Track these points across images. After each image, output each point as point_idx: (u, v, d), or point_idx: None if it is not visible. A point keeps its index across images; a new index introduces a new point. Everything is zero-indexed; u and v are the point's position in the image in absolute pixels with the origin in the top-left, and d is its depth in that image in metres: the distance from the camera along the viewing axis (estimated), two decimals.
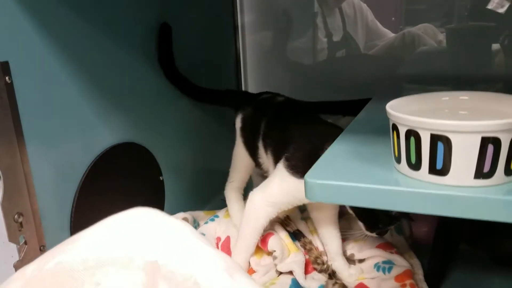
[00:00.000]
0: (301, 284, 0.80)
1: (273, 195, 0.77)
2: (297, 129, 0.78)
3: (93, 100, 0.77)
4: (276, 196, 0.77)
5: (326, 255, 0.85)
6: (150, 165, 0.94)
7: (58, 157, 0.71)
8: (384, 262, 0.82)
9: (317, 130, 0.76)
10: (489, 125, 0.45)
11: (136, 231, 0.42)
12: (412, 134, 0.49)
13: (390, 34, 1.23)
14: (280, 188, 0.75)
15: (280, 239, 0.87)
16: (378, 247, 0.86)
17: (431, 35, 1.20)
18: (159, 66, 0.94)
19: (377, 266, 0.82)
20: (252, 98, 0.95)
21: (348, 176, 0.54)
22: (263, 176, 0.88)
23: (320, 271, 0.82)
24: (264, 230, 0.91)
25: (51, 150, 0.70)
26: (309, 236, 0.89)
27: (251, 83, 1.37)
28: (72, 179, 0.74)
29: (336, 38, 1.30)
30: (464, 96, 0.57)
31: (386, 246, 0.85)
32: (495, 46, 1.12)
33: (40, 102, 0.68)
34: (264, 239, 0.88)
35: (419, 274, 0.80)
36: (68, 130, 0.73)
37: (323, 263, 0.83)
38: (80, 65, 0.74)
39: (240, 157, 0.94)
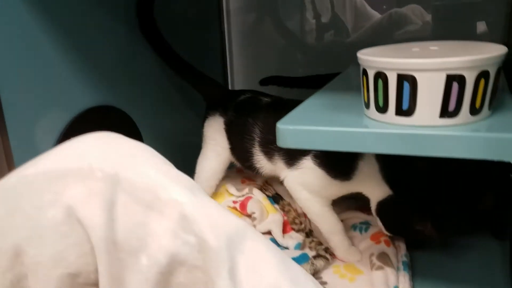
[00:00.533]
0: (279, 242, 0.81)
1: (316, 191, 0.75)
2: None
3: (70, 59, 0.77)
4: (321, 191, 0.76)
5: (304, 216, 0.86)
6: (130, 131, 0.93)
7: (34, 113, 0.71)
8: (361, 223, 0.83)
9: None
10: (454, 62, 0.45)
11: (98, 146, 0.42)
12: (380, 76, 0.50)
13: (378, 16, 1.23)
14: (321, 184, 0.74)
15: (259, 202, 0.88)
16: (357, 209, 0.87)
17: (418, 15, 1.21)
18: (140, 32, 0.93)
19: (354, 227, 0.83)
20: (230, 97, 0.90)
21: (319, 122, 0.55)
22: None
23: (298, 231, 0.83)
24: (243, 195, 0.92)
25: (27, 106, 0.69)
26: (288, 199, 0.90)
27: (237, 67, 1.35)
28: (49, 136, 0.74)
29: (324, 19, 1.29)
30: (434, 46, 0.58)
31: (365, 208, 0.86)
32: (480, 23, 1.13)
33: (15, 60, 0.67)
34: (243, 203, 0.88)
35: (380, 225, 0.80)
36: (45, 88, 0.72)
37: (300, 223, 0.84)
38: (57, 25, 0.73)
39: (217, 162, 0.90)
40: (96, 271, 0.38)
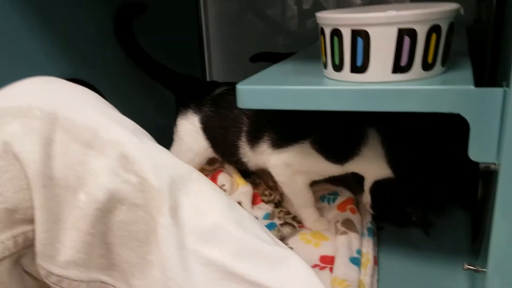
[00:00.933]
0: (248, 212, 0.81)
1: (305, 172, 0.75)
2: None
3: (39, 31, 0.76)
4: (310, 172, 0.76)
5: (275, 188, 0.87)
6: None
7: (2, 83, 0.70)
8: (329, 194, 0.84)
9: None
10: (405, 16, 0.46)
11: (39, 88, 0.42)
12: (336, 34, 0.50)
13: (358, 2, 1.24)
14: (314, 167, 0.73)
15: (229, 174, 0.88)
16: (326, 181, 0.87)
17: (398, 1, 1.22)
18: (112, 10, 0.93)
19: (322, 198, 0.84)
20: (203, 91, 0.85)
21: (277, 82, 0.55)
22: None
23: (267, 202, 0.84)
24: (214, 169, 0.92)
25: None
26: (258, 173, 0.90)
27: (215, 55, 1.33)
28: None
29: (306, 5, 1.29)
30: (391, 8, 0.58)
31: (334, 180, 0.87)
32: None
33: None
34: (214, 175, 0.89)
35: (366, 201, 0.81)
36: (12, 57, 0.72)
37: (270, 195, 0.85)
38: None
39: (197, 159, 0.85)
40: (33, 207, 0.39)
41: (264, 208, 0.82)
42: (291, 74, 0.59)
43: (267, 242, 0.45)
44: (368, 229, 0.73)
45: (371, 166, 0.72)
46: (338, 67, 0.52)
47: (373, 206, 0.76)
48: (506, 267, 0.44)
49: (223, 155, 0.85)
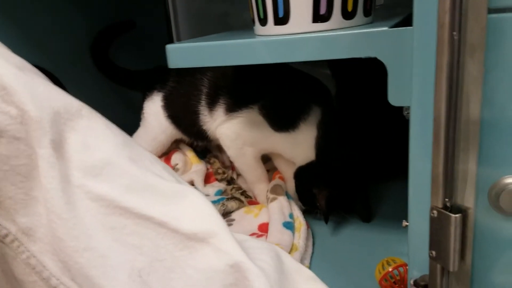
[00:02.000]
0: (200, 190, 0.80)
1: (251, 140, 0.75)
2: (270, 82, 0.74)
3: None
4: (256, 140, 0.75)
5: (232, 168, 0.86)
6: None
7: None
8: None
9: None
10: None
11: None
12: None
13: None
14: (259, 134, 0.74)
15: (183, 154, 0.88)
16: None
17: None
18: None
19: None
20: (168, 71, 0.83)
21: (209, 40, 0.55)
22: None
23: (221, 180, 0.83)
24: (168, 149, 0.91)
25: None
26: (215, 152, 0.90)
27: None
28: None
29: None
30: None
31: None
32: None
33: None
34: (168, 156, 0.88)
35: None
36: None
37: (223, 173, 0.84)
38: None
39: (159, 137, 0.87)
40: None
41: (217, 186, 0.82)
42: (224, 36, 0.59)
43: (165, 179, 0.44)
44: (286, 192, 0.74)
45: (301, 147, 0.72)
46: (263, 21, 0.52)
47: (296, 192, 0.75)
48: (423, 208, 0.44)
49: (184, 128, 0.85)
